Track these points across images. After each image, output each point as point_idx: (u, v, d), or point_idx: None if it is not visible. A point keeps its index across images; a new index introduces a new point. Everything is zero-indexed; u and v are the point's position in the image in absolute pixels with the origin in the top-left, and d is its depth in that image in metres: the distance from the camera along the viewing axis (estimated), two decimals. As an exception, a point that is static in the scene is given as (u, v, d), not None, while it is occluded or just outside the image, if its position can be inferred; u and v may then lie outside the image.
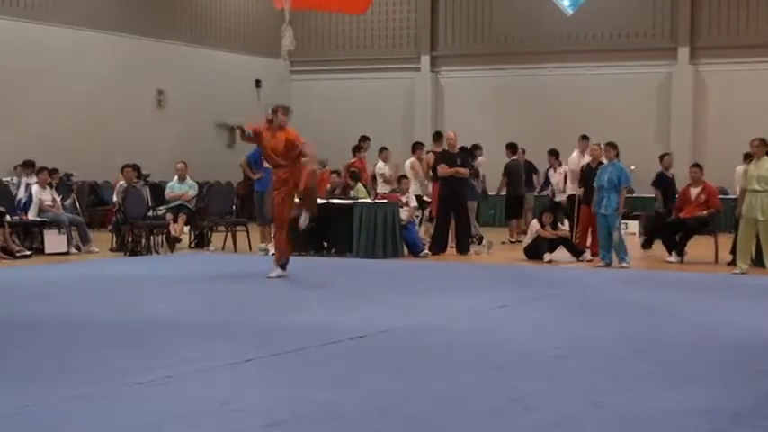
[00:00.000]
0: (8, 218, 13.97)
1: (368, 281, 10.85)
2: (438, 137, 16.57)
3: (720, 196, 15.14)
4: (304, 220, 11.20)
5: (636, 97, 22.83)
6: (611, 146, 13.47)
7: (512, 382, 5.62)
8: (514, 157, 17.84)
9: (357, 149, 16.70)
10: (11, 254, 13.57)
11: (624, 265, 13.02)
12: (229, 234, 15.58)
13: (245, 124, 11.29)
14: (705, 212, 13.92)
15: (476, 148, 16.90)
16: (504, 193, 18.12)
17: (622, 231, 13.62)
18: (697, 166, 14.70)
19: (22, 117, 19.37)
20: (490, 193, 18.57)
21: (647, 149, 22.21)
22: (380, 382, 5.59)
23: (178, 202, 15.98)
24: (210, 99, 23.27)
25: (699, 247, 14.30)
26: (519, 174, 17.75)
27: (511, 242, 16.98)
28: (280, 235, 11.19)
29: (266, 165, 14.72)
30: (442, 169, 14.88)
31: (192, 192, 16.23)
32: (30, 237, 14.56)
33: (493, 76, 24.21)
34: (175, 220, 15.65)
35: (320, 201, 14.66)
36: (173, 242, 15.28)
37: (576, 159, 16.06)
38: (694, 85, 22.72)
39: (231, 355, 6.24)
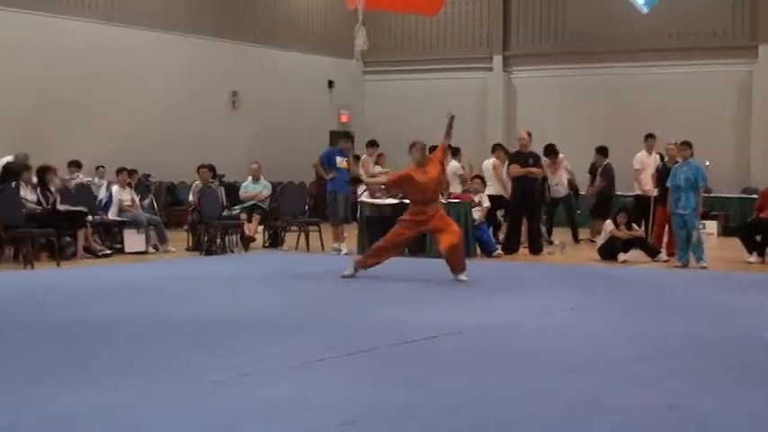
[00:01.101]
0: (90, 218, 14.29)
1: (440, 281, 10.84)
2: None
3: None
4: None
5: (714, 96, 22.35)
6: (687, 145, 13.27)
7: (585, 383, 5.58)
8: (608, 160, 17.51)
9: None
10: (93, 253, 13.88)
11: (703, 265, 12.81)
12: (302, 234, 15.72)
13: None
14: (788, 212, 13.63)
15: (551, 148, 16.79)
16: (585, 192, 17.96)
17: (701, 231, 13.40)
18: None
19: (101, 119, 19.77)
20: (581, 193, 18.45)
21: (725, 150, 21.86)
22: (453, 382, 5.60)
23: (252, 202, 16.17)
24: (283, 100, 23.51)
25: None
26: (613, 175, 17.47)
27: (591, 241, 16.73)
28: (382, 254, 11.13)
29: (339, 165, 14.89)
30: (515, 169, 14.82)
31: (266, 192, 16.41)
32: (110, 236, 14.87)
33: (566, 76, 23.97)
34: (249, 220, 15.85)
35: (394, 201, 14.73)
36: (247, 242, 15.47)
37: (642, 158, 15.77)
38: (776, 84, 22.21)
39: (305, 354, 6.30)
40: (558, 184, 17.14)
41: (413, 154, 11.03)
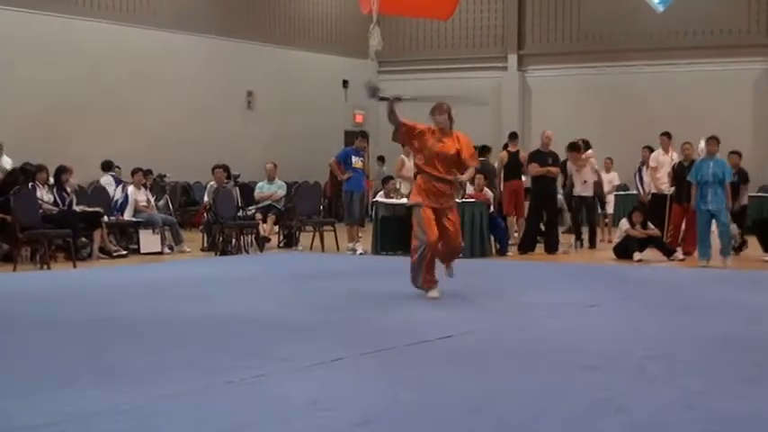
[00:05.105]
0: (105, 218, 14.34)
1: (455, 280, 10.80)
2: (514, 137, 16.41)
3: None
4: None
5: (730, 95, 22.23)
6: (715, 140, 13.06)
7: (601, 382, 5.56)
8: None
9: None
10: (108, 254, 13.93)
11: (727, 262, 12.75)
12: (317, 234, 15.72)
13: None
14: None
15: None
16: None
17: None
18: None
19: (116, 119, 19.82)
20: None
21: (742, 148, 21.67)
22: (469, 381, 5.58)
23: (267, 203, 16.20)
24: (298, 100, 23.52)
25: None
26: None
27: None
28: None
29: (355, 165, 14.87)
30: (534, 169, 14.76)
31: (281, 192, 16.43)
32: (125, 237, 14.91)
33: (581, 75, 23.91)
34: (264, 220, 15.87)
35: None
36: (262, 242, 15.50)
37: (657, 157, 15.53)
38: (793, 82, 22.08)
39: (320, 354, 6.29)
40: (584, 182, 15.89)
41: (435, 117, 9.19)
